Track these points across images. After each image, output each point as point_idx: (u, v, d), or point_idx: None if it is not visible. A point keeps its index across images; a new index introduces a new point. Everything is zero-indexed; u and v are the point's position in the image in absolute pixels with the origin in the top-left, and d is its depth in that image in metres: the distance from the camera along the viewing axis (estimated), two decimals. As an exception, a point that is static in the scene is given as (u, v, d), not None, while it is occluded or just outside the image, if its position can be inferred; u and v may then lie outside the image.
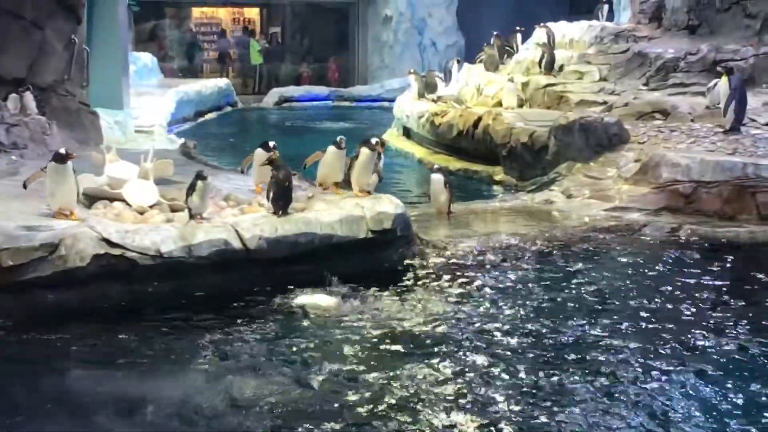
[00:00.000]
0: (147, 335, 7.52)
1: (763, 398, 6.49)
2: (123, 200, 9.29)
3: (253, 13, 36.20)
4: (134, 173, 9.84)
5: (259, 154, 10.04)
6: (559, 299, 8.58)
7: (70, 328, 7.55)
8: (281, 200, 8.90)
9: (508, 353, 7.25)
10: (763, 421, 6.11)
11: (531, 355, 7.24)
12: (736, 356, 7.28)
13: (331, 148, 9.97)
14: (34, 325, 7.56)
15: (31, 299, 7.76)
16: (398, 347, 7.39)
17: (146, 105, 21.05)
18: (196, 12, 35.17)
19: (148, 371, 6.88)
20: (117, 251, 8.03)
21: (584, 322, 7.94)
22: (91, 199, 9.29)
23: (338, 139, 10.05)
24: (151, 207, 9.20)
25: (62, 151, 8.82)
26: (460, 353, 7.25)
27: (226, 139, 23.04)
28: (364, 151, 9.95)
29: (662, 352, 7.31)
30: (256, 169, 10.13)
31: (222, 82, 28.88)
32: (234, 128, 26.15)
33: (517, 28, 21.67)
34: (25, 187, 9.01)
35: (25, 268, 7.72)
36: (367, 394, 6.47)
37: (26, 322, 7.58)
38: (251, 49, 33.02)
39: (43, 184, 8.84)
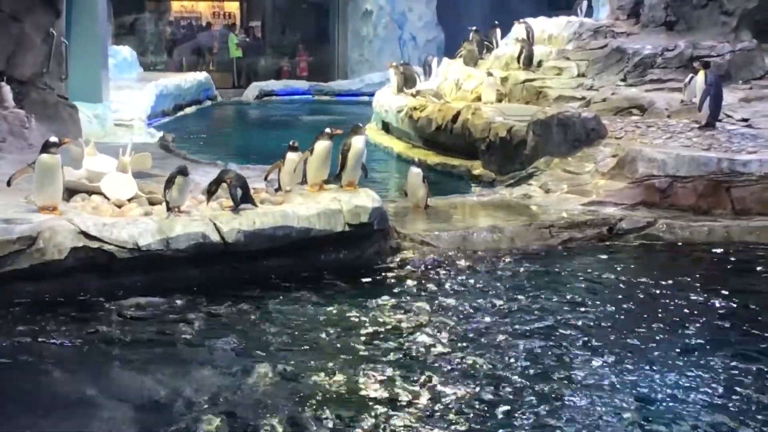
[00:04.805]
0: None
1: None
2: (101, 193, 9.29)
3: (233, 6, 36.14)
4: (113, 167, 9.84)
5: (291, 158, 9.77)
6: (534, 296, 8.60)
7: (45, 321, 7.56)
8: (242, 195, 8.93)
9: (477, 350, 7.28)
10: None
11: (499, 351, 7.28)
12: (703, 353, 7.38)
13: (321, 143, 9.71)
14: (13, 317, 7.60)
15: (8, 291, 7.75)
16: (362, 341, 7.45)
17: (126, 98, 21.01)
18: (176, 5, 35.07)
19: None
20: (95, 244, 8.05)
21: (558, 322, 7.94)
22: (69, 192, 9.28)
23: (327, 130, 9.83)
24: (129, 200, 9.21)
25: (53, 139, 8.76)
26: (424, 350, 7.33)
27: (206, 133, 23.04)
28: (356, 141, 9.86)
29: (641, 350, 7.40)
30: (287, 173, 9.81)
31: (201, 75, 28.80)
32: (213, 122, 26.18)
33: (495, 22, 21.75)
34: (9, 184, 8.92)
35: (2, 261, 7.73)
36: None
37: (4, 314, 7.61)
38: (229, 42, 32.95)
39: (25, 179, 8.82)
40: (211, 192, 9.04)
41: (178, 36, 34.21)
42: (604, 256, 10.02)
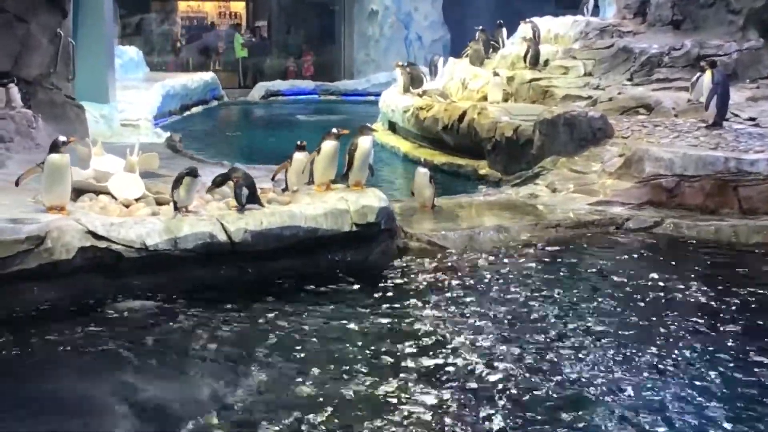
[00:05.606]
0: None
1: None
2: (109, 193, 9.30)
3: (239, 6, 36.19)
4: (120, 166, 9.85)
5: (298, 158, 9.75)
6: (541, 297, 8.58)
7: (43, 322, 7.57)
8: (249, 195, 8.92)
9: (485, 350, 7.27)
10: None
11: (509, 352, 7.25)
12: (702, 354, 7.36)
13: (328, 143, 9.70)
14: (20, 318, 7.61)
15: (16, 291, 7.76)
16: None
17: (132, 98, 21.07)
18: (182, 5, 35.14)
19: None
20: (103, 244, 8.05)
21: (563, 324, 7.91)
22: (77, 192, 9.28)
23: (334, 130, 9.80)
24: (136, 200, 9.21)
25: (62, 138, 8.75)
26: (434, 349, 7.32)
27: (212, 133, 23.09)
28: (363, 141, 9.84)
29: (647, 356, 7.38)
30: (294, 173, 9.79)
31: (208, 75, 28.85)
32: (220, 122, 26.24)
33: (499, 21, 21.76)
34: (17, 184, 8.91)
35: (10, 261, 7.73)
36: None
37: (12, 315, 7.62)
38: (235, 42, 33.01)
39: (33, 178, 8.82)
40: (216, 183, 9.07)
41: (184, 36, 34.25)
42: (611, 256, 9.99)
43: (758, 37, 17.17)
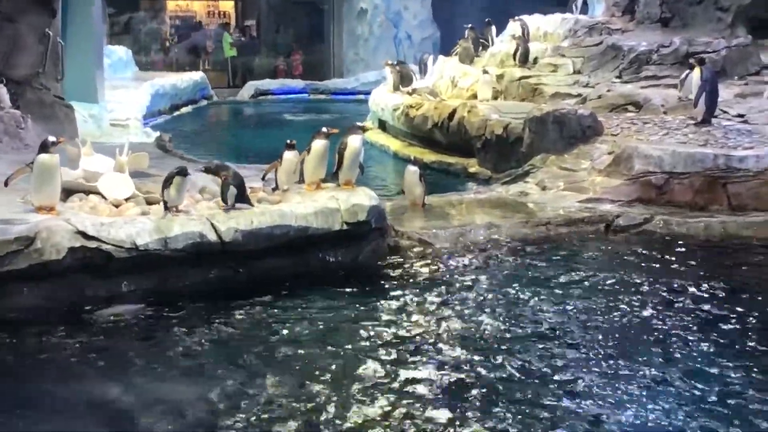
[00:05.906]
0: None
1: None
2: (98, 193, 9.28)
3: (227, 6, 36.16)
4: (110, 166, 9.83)
5: (288, 158, 9.70)
6: (532, 294, 8.59)
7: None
8: (239, 194, 8.90)
9: (477, 349, 7.30)
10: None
11: (500, 351, 7.29)
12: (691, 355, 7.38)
13: (318, 143, 9.68)
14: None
15: (6, 292, 7.74)
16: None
17: (121, 98, 21.00)
18: (171, 5, 35.10)
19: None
20: (93, 244, 8.02)
21: (555, 324, 7.90)
22: (66, 192, 9.25)
23: (324, 129, 9.80)
24: (126, 200, 9.19)
25: (51, 138, 8.72)
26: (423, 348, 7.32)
27: (202, 133, 23.06)
28: (353, 140, 9.84)
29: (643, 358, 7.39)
30: (284, 172, 9.75)
31: (197, 75, 28.81)
32: (210, 122, 26.22)
33: (488, 20, 21.79)
34: (6, 184, 8.87)
35: (0, 261, 7.71)
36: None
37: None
38: (224, 41, 32.97)
39: (22, 178, 8.79)
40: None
41: (173, 35, 34.20)
42: (601, 254, 10.03)
43: (746, 33, 17.26)
